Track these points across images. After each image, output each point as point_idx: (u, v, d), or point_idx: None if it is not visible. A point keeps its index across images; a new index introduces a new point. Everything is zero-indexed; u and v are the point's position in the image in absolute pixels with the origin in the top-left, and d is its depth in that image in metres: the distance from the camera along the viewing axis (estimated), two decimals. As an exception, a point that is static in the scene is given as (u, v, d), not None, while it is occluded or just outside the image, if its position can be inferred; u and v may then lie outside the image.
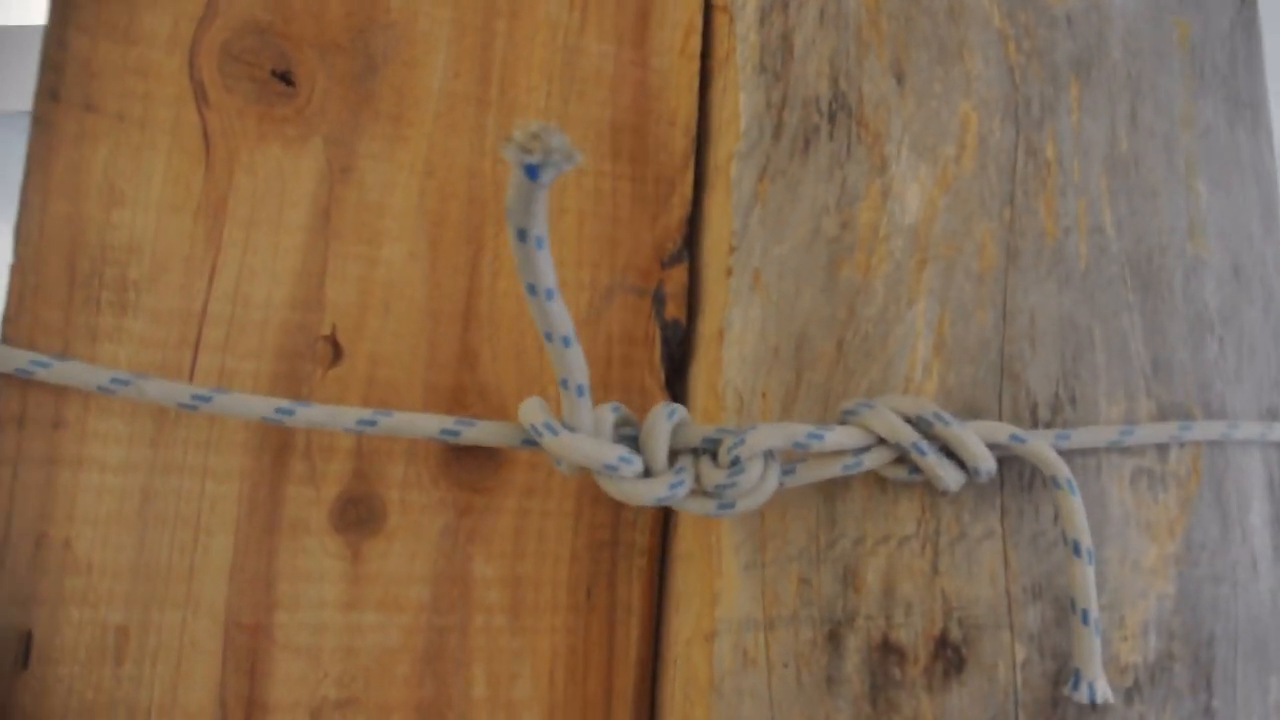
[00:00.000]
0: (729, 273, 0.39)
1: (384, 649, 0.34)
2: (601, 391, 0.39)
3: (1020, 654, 0.32)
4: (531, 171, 0.19)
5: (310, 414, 0.31)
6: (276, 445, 0.34)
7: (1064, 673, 0.32)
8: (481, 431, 0.31)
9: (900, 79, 0.38)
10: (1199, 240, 0.38)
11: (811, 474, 0.31)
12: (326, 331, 0.35)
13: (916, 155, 0.37)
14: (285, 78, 0.36)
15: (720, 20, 0.43)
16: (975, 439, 0.30)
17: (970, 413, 0.34)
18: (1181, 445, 0.35)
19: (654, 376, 0.40)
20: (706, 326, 0.40)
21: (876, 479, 0.34)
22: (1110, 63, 0.38)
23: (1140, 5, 0.39)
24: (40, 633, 0.31)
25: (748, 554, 0.35)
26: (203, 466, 0.33)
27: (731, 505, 0.30)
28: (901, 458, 0.32)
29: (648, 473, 0.30)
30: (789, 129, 0.39)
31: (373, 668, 0.34)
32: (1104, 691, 0.30)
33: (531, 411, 0.29)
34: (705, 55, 0.43)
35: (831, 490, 0.34)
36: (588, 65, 0.40)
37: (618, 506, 0.38)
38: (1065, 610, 0.32)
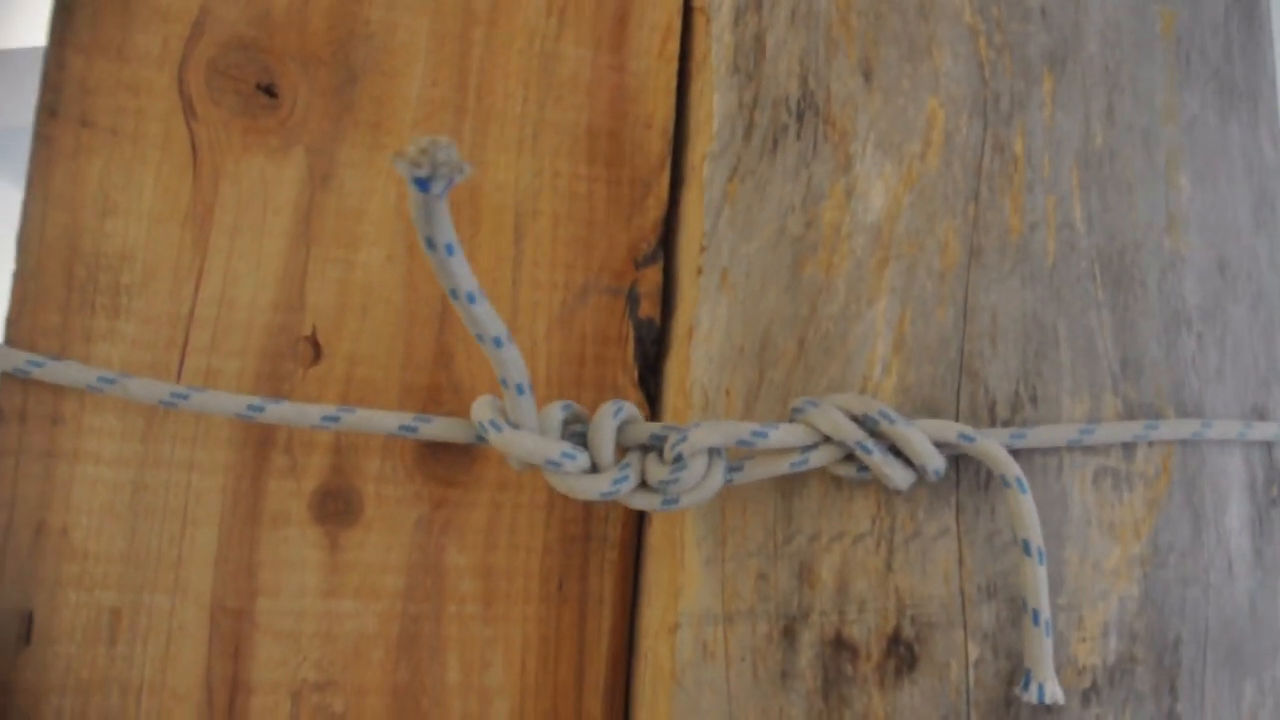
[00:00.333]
0: (699, 272, 0.39)
1: (361, 635, 0.36)
2: (575, 389, 0.39)
3: (974, 653, 0.31)
4: (422, 184, 0.20)
5: (279, 410, 0.32)
6: (259, 440, 0.35)
7: (1018, 672, 0.31)
8: (437, 427, 0.32)
9: (868, 76, 0.37)
10: (1178, 235, 0.36)
11: (759, 471, 0.31)
12: (307, 332, 0.37)
13: (882, 153, 0.36)
14: (269, 90, 0.37)
15: (699, 21, 0.43)
16: (921, 438, 0.30)
17: (929, 411, 0.33)
18: (1150, 445, 0.33)
19: (627, 374, 0.40)
20: (679, 325, 0.40)
21: (833, 476, 0.33)
22: (1086, 55, 0.37)
23: (1121, -5, 0.38)
24: (40, 613, 0.33)
25: (709, 549, 0.35)
26: (189, 460, 0.35)
27: (675, 500, 0.30)
28: (850, 456, 0.31)
29: (596, 468, 0.30)
30: (759, 129, 0.39)
31: (350, 653, 0.35)
32: (1054, 693, 0.29)
33: (481, 409, 0.30)
34: (685, 56, 0.43)
35: (789, 487, 0.34)
36: (565, 70, 0.41)
37: (589, 500, 0.38)
38: (1020, 610, 0.31)
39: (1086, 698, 0.31)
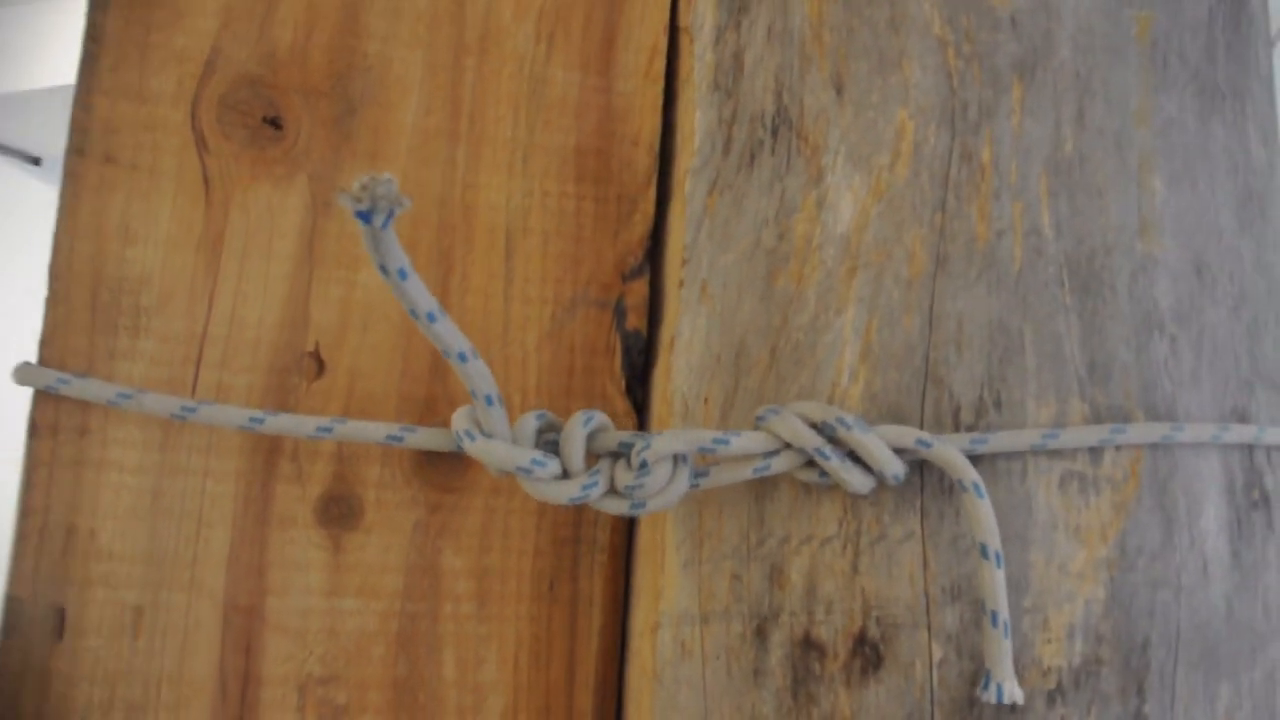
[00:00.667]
0: (681, 284, 0.40)
1: (362, 632, 0.37)
2: (565, 399, 0.41)
3: (937, 653, 0.32)
4: (364, 217, 0.21)
5: (278, 422, 0.34)
6: (268, 449, 0.38)
7: (981, 673, 0.31)
8: (421, 437, 0.33)
9: (840, 90, 0.38)
10: (1151, 238, 0.36)
11: (724, 477, 0.32)
12: (311, 348, 0.39)
13: (852, 165, 0.37)
14: (275, 123, 0.39)
15: (684, 41, 0.44)
16: (878, 443, 0.30)
17: (894, 417, 0.33)
18: (1118, 448, 0.33)
19: (615, 384, 0.41)
20: (664, 336, 0.41)
21: (803, 481, 0.34)
22: (1057, 62, 0.37)
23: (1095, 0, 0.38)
24: (71, 609, 0.36)
25: (687, 552, 0.36)
26: (204, 468, 0.37)
27: (642, 505, 0.31)
28: (812, 462, 0.32)
29: (567, 475, 0.32)
30: (737, 144, 0.40)
31: (352, 649, 0.37)
32: (1012, 693, 0.29)
33: (458, 419, 0.31)
34: (672, 75, 0.44)
35: (762, 492, 0.35)
36: (553, 93, 0.42)
37: (580, 505, 0.40)
38: (983, 612, 0.32)
39: (1051, 698, 0.31)
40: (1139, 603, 0.32)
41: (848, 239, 0.36)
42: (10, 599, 0.35)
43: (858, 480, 0.31)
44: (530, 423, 0.32)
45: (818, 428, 0.31)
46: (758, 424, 0.32)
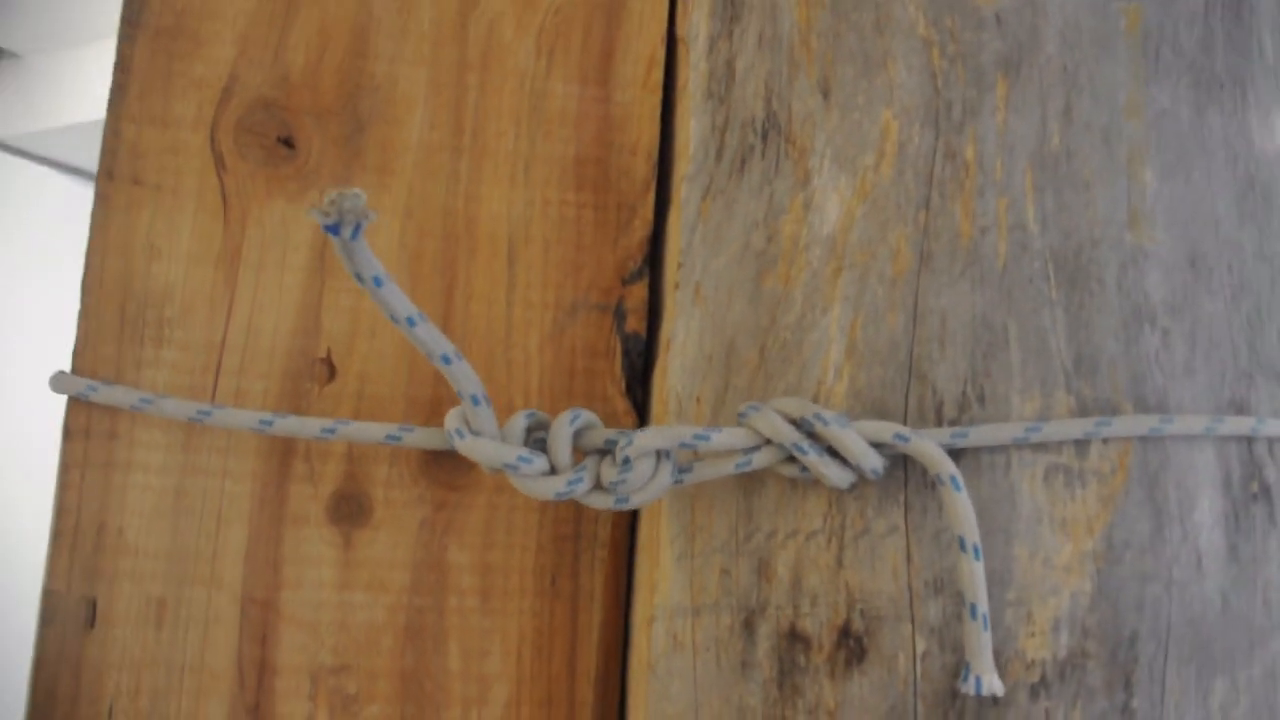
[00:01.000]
0: (676, 287, 0.41)
1: (371, 624, 0.39)
2: (566, 399, 0.41)
3: (921, 646, 0.32)
4: (332, 230, 0.22)
5: (286, 424, 0.35)
6: (282, 451, 0.39)
7: (964, 665, 0.31)
8: (418, 436, 0.34)
9: (826, 94, 0.38)
10: (1141, 230, 0.35)
11: (707, 472, 0.32)
12: (323, 354, 0.40)
13: (838, 167, 0.37)
14: (288, 143, 0.41)
15: (682, 51, 0.45)
16: (855, 438, 0.30)
17: (878, 413, 0.33)
18: (1105, 441, 0.33)
19: (615, 385, 0.42)
20: (662, 337, 0.42)
21: (790, 476, 0.34)
22: (1044, 58, 0.37)
23: (1082, -5, 0.37)
24: (102, 601, 0.37)
25: (680, 546, 0.37)
26: (223, 469, 0.39)
27: (626, 499, 0.32)
28: (793, 457, 0.32)
29: (555, 471, 0.32)
30: (729, 150, 0.40)
31: (362, 640, 0.38)
32: (991, 685, 0.29)
33: (450, 419, 0.33)
34: (672, 84, 0.45)
35: (750, 487, 0.35)
36: (553, 107, 0.43)
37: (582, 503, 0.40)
38: (966, 604, 0.31)
39: (1035, 691, 0.31)
40: (1127, 596, 0.32)
41: (833, 239, 0.36)
42: (47, 591, 0.38)
43: (836, 474, 0.31)
44: (520, 421, 0.33)
45: (797, 423, 0.32)
46: (740, 420, 0.33)
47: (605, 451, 0.33)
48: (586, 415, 0.33)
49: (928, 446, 0.30)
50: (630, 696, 0.40)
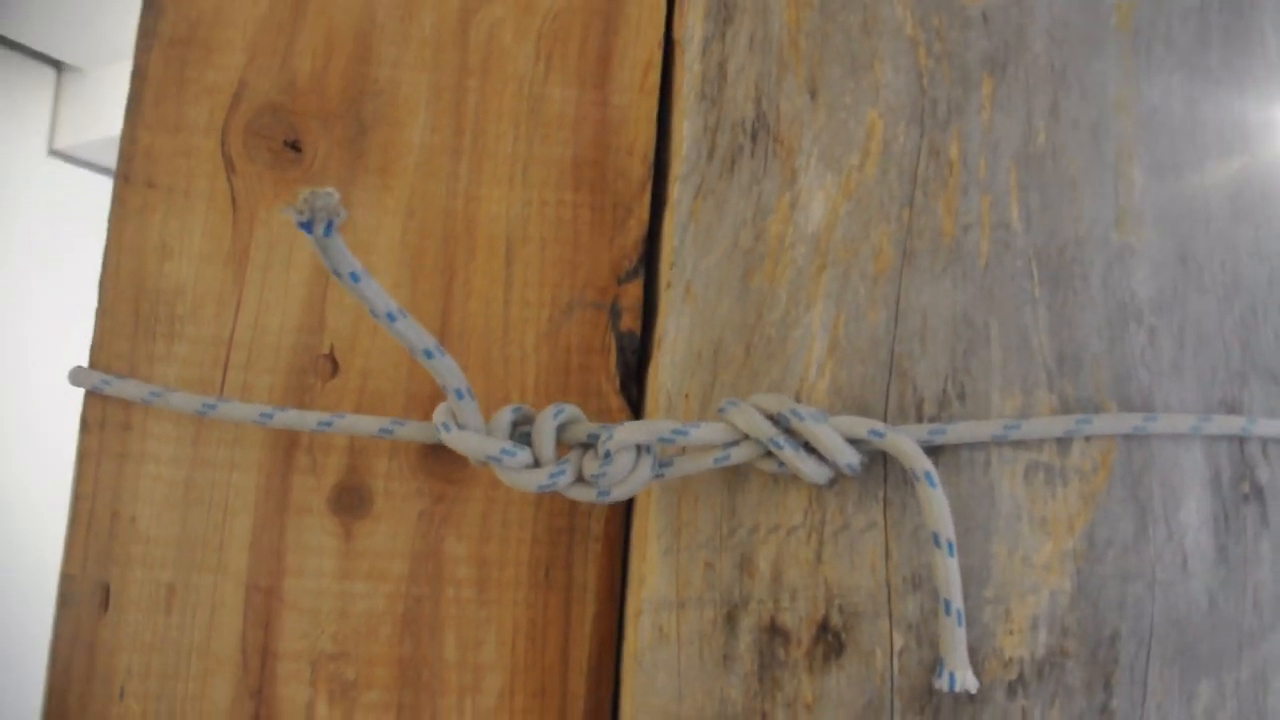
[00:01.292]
0: (669, 285, 0.41)
1: (370, 613, 0.39)
2: (562, 396, 0.42)
3: (898, 642, 0.31)
4: (306, 227, 0.23)
5: (285, 417, 0.36)
6: (286, 444, 0.40)
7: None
8: (409, 430, 0.35)
9: (814, 94, 0.38)
10: (1128, 228, 0.35)
11: (687, 466, 0.33)
12: (326, 350, 0.41)
13: (824, 166, 0.37)
14: (295, 146, 0.42)
15: (679, 54, 0.45)
16: (830, 433, 0.30)
17: (859, 409, 0.33)
18: (1088, 439, 0.32)
19: (610, 382, 0.42)
20: (656, 335, 0.42)
21: (773, 472, 0.34)
22: (1030, 56, 0.36)
23: (1072, -7, 0.37)
24: (115, 586, 0.39)
25: (666, 541, 0.37)
26: (230, 460, 0.40)
27: (607, 492, 0.32)
28: (771, 452, 0.32)
29: (539, 464, 0.33)
30: (720, 150, 0.40)
31: (361, 628, 0.39)
32: (965, 680, 0.29)
33: (438, 413, 0.33)
34: (669, 87, 0.45)
35: (734, 482, 0.35)
36: (551, 110, 0.44)
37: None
38: (943, 601, 0.31)
39: (1012, 689, 0.30)
40: (1108, 595, 0.31)
41: (818, 237, 0.36)
42: (64, 576, 0.39)
43: (812, 470, 0.31)
44: (506, 415, 0.33)
45: (774, 419, 0.32)
46: (719, 416, 0.33)
47: (588, 446, 0.33)
48: (570, 410, 0.33)
49: (903, 442, 0.30)
50: (623, 688, 0.40)
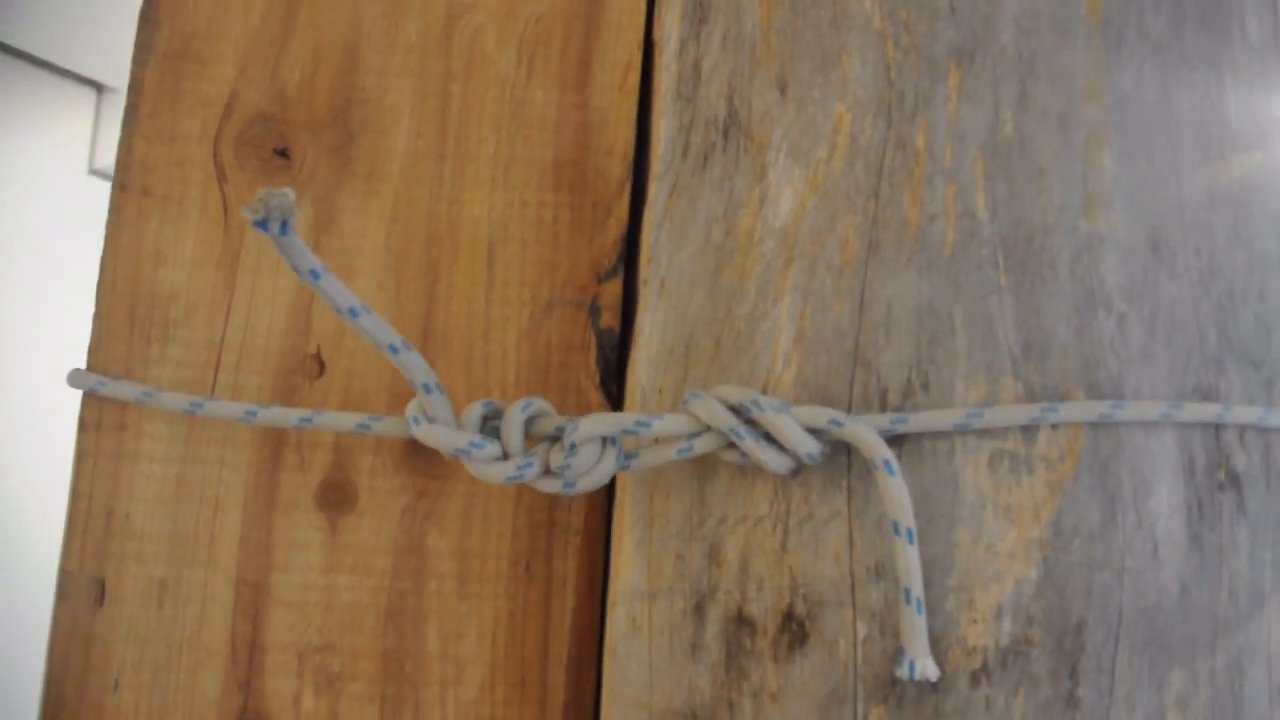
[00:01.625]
0: (645, 282, 0.41)
1: (355, 606, 0.40)
2: (541, 393, 0.42)
3: (862, 631, 0.31)
4: (261, 226, 0.24)
5: (267, 414, 0.37)
6: (275, 442, 0.41)
7: (906, 651, 0.30)
8: (384, 425, 0.36)
9: (784, 90, 0.38)
10: (1098, 215, 0.34)
11: (651, 458, 0.33)
12: (313, 351, 0.42)
13: (792, 160, 0.37)
14: (283, 154, 0.43)
15: (658, 55, 0.46)
16: (789, 423, 0.30)
17: (824, 401, 0.33)
18: (1054, 427, 0.32)
19: (589, 379, 0.42)
20: (634, 332, 0.42)
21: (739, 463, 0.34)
22: (998, 46, 0.36)
23: (1040, -18, 0.36)
24: (110, 580, 0.40)
25: (640, 532, 0.37)
26: (221, 458, 0.41)
27: (573, 484, 0.32)
28: (733, 443, 0.32)
29: (508, 457, 0.33)
30: (694, 148, 0.40)
31: (346, 621, 0.40)
32: (925, 669, 0.29)
33: (409, 408, 0.34)
34: (650, 88, 0.46)
35: (704, 474, 0.35)
36: (533, 113, 0.44)
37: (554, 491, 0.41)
38: (907, 589, 0.31)
39: (975, 678, 0.30)
40: (1075, 584, 0.31)
41: (785, 231, 0.36)
42: (62, 571, 0.40)
43: (774, 460, 0.31)
44: (477, 410, 0.33)
45: (736, 410, 0.32)
46: (682, 407, 0.33)
47: (556, 438, 0.33)
48: (539, 404, 0.33)
49: (862, 431, 0.30)
50: (604, 680, 0.40)
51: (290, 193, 0.24)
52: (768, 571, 0.33)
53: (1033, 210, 0.34)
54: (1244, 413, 0.33)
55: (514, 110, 0.44)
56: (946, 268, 0.34)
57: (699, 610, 0.34)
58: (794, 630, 0.32)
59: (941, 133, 0.35)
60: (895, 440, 0.32)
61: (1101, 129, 0.35)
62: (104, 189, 1.74)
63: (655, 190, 0.42)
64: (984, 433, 0.32)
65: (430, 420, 0.32)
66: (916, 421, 0.31)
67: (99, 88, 1.73)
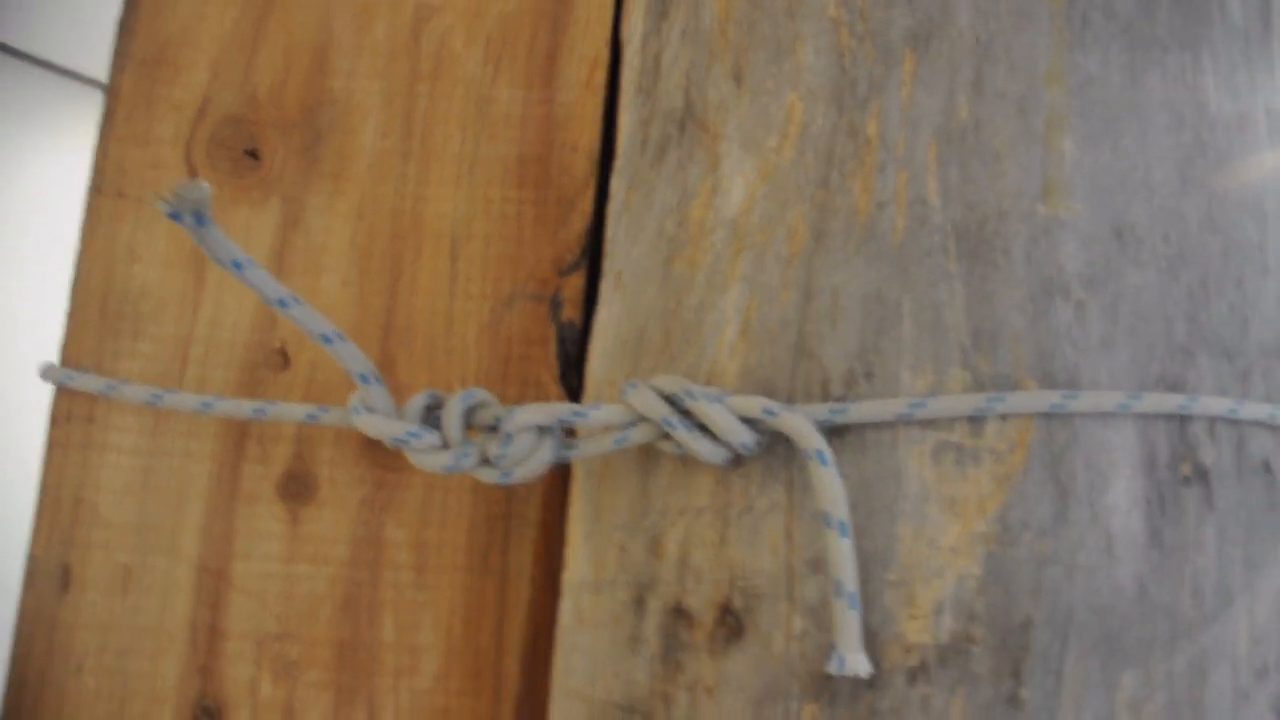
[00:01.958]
0: (603, 275, 0.40)
1: (313, 595, 0.40)
2: (501, 385, 0.42)
3: (798, 625, 0.30)
4: (175, 217, 0.23)
5: (224, 406, 0.37)
6: (238, 434, 0.41)
7: (844, 647, 0.29)
8: (332, 416, 0.35)
9: (739, 81, 0.37)
10: (1057, 200, 0.33)
11: (588, 448, 0.32)
12: (278, 346, 0.42)
13: (744, 151, 0.36)
14: (254, 154, 0.43)
15: (625, 51, 0.45)
16: (722, 413, 0.29)
17: (766, 391, 0.32)
18: (1004, 418, 0.30)
19: (549, 371, 0.42)
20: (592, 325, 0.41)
21: (684, 455, 0.33)
22: (955, 30, 0.35)
23: (999, -35, 0.35)
24: (75, 568, 0.40)
25: (587, 524, 0.36)
26: (186, 450, 0.41)
27: (509, 474, 0.32)
28: (668, 434, 0.31)
29: (448, 446, 0.33)
30: (651, 142, 0.40)
31: (304, 610, 0.40)
32: (855, 664, 0.27)
33: (351, 398, 0.33)
34: (618, 85, 0.45)
35: (648, 466, 0.34)
36: (498, 111, 0.44)
37: (510, 484, 0.40)
38: (845, 584, 0.29)
39: (913, 676, 0.29)
40: (1021, 580, 0.29)
41: (736, 222, 0.35)
42: (30, 557, 0.40)
43: (708, 450, 0.30)
44: (419, 401, 0.33)
45: (670, 399, 0.31)
46: (620, 398, 0.32)
47: (492, 428, 0.33)
48: (480, 394, 0.33)
49: (794, 420, 0.29)
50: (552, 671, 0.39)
51: (206, 185, 0.24)
52: (707, 564, 0.32)
53: (987, 196, 0.33)
54: (1212, 404, 0.31)
55: (480, 108, 0.44)
56: (895, 256, 0.32)
57: (639, 602, 0.33)
58: (731, 624, 0.31)
59: (895, 119, 0.34)
60: (837, 431, 0.31)
61: (1063, 113, 0.34)
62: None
63: (615, 184, 0.41)
64: (929, 424, 0.30)
65: (370, 411, 0.32)
66: (856, 411, 0.30)
67: (104, 89, 1.78)
